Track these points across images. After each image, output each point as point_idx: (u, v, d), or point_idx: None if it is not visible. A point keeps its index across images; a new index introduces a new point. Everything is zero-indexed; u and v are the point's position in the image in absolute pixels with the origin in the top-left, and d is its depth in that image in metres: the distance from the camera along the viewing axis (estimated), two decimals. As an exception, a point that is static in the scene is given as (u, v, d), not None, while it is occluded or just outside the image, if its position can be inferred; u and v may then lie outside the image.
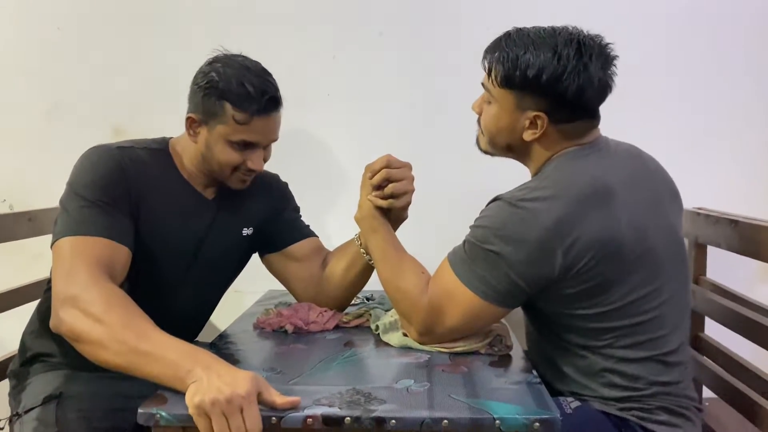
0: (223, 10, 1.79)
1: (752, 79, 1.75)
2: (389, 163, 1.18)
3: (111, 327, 0.92)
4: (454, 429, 0.84)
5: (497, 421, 0.84)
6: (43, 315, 1.25)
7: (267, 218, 1.35)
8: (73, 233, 1.04)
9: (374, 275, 1.33)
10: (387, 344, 1.18)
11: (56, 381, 1.17)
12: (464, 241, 1.09)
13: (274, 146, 1.24)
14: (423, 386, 0.95)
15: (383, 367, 1.07)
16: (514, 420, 0.84)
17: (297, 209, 1.43)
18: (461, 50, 1.76)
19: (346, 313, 1.34)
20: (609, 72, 1.07)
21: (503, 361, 1.09)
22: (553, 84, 1.03)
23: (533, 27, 1.09)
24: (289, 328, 1.26)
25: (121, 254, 1.07)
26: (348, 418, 0.84)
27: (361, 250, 1.29)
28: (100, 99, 1.81)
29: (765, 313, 1.29)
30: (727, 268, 1.31)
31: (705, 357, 1.49)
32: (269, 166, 1.29)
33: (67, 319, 0.96)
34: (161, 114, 1.73)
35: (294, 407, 0.86)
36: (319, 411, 0.85)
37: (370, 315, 1.31)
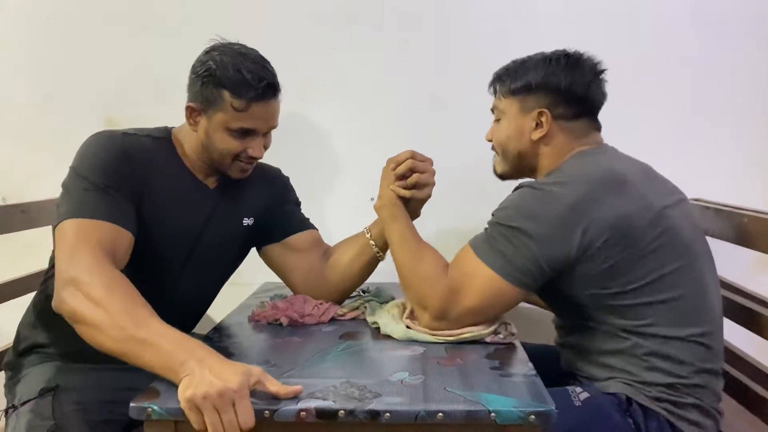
0: (215, 0, 1.77)
1: (750, 69, 1.74)
2: (413, 155, 1.22)
3: (110, 312, 0.92)
4: (449, 422, 0.83)
5: (492, 414, 0.83)
6: (39, 306, 1.25)
7: (267, 209, 1.35)
8: (77, 216, 1.04)
9: (376, 269, 1.35)
10: (383, 337, 1.17)
11: (52, 373, 1.17)
12: (486, 226, 1.13)
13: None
14: (418, 379, 0.95)
15: (378, 360, 1.07)
16: (509, 413, 0.83)
17: (298, 203, 1.44)
18: (459, 42, 1.75)
19: (342, 306, 1.34)
20: (601, 78, 1.20)
21: (500, 353, 1.09)
22: (548, 80, 1.17)
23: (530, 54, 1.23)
24: (284, 320, 1.25)
25: (123, 238, 1.07)
26: (342, 412, 0.84)
27: (371, 242, 1.31)
28: (92, 90, 1.79)
29: (765, 304, 1.28)
30: (724, 259, 1.31)
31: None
32: (267, 159, 1.29)
33: (69, 299, 0.96)
34: (153, 105, 1.73)
35: (296, 396, 0.86)
36: (313, 404, 0.85)
37: (366, 308, 1.31)
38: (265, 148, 1.23)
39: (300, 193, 1.44)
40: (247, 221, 1.32)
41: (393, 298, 1.36)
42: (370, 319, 1.25)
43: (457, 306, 1.10)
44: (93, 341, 0.94)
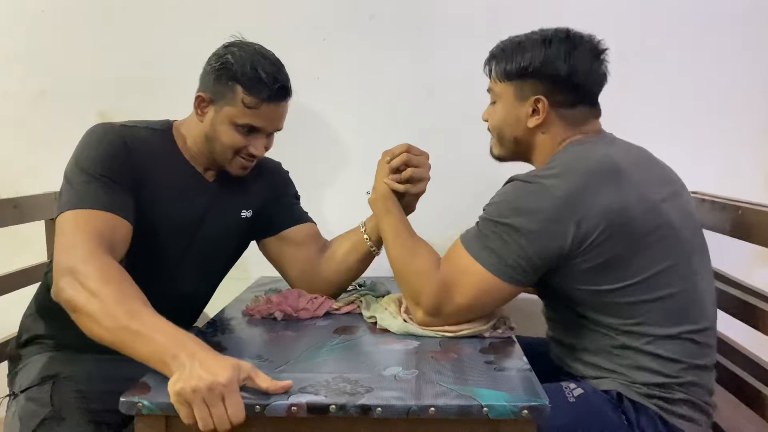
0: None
1: (749, 61, 1.73)
2: (409, 149, 1.21)
3: (104, 302, 0.92)
4: (441, 416, 0.83)
5: (485, 409, 0.83)
6: (40, 297, 1.27)
7: (266, 202, 1.35)
8: (76, 207, 1.05)
9: (372, 264, 1.34)
10: (377, 331, 1.17)
11: (53, 362, 1.18)
12: (477, 221, 1.11)
13: None
14: (411, 373, 0.94)
15: (372, 355, 1.06)
16: (502, 407, 0.83)
17: (297, 196, 1.44)
18: (452, 33, 1.74)
19: (337, 300, 1.33)
20: (601, 59, 1.14)
21: (494, 347, 1.08)
22: (545, 66, 1.11)
23: (527, 32, 1.17)
24: (279, 315, 1.25)
25: (122, 228, 1.08)
26: (333, 406, 0.83)
27: (365, 236, 1.30)
28: (86, 84, 1.79)
29: (761, 297, 1.28)
30: (720, 251, 1.30)
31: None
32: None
33: (66, 288, 0.96)
34: (148, 99, 1.72)
35: (285, 391, 0.86)
36: (304, 399, 0.84)
37: (361, 302, 1.30)
38: (267, 149, 1.25)
39: (296, 185, 1.44)
40: (246, 213, 1.32)
41: (389, 293, 1.36)
42: (366, 313, 1.24)
43: (450, 303, 1.09)
44: (88, 330, 0.94)
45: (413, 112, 1.77)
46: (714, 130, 1.74)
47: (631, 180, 1.04)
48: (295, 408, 0.83)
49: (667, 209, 1.06)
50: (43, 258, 1.56)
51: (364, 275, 1.37)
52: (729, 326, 1.32)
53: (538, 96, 1.13)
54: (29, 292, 1.35)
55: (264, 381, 0.86)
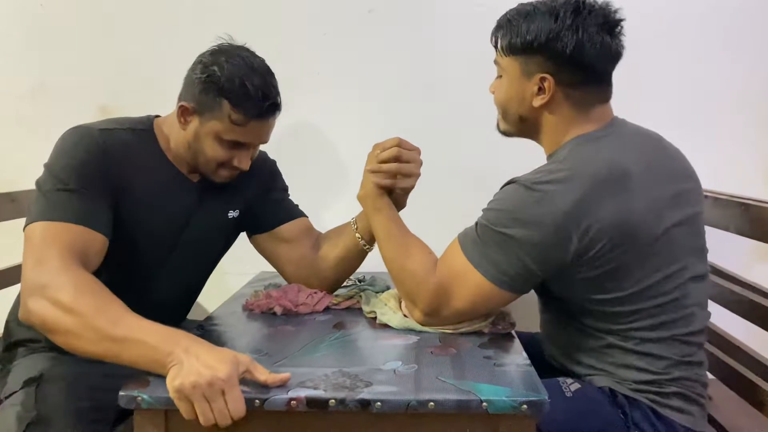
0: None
1: (750, 57, 1.72)
2: (400, 143, 1.17)
3: (82, 315, 0.89)
4: (441, 411, 0.83)
5: (484, 404, 0.83)
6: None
7: (255, 198, 1.32)
8: (47, 218, 1.01)
9: (368, 258, 1.33)
10: (377, 326, 1.17)
11: (39, 364, 1.14)
12: (476, 223, 1.07)
13: None
14: (411, 368, 0.94)
15: (372, 349, 1.06)
16: (501, 402, 0.83)
17: (285, 188, 1.41)
18: (452, 26, 1.73)
19: (336, 295, 1.33)
20: (615, 34, 1.06)
21: (494, 342, 1.08)
22: (552, 43, 1.04)
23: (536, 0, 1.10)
24: (278, 309, 1.25)
25: (95, 241, 1.04)
26: (332, 401, 0.83)
27: (357, 235, 1.28)
28: (86, 78, 1.78)
29: (761, 293, 1.27)
30: (721, 248, 1.30)
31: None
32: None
33: (35, 309, 0.92)
34: (147, 93, 1.71)
35: (283, 384, 0.85)
36: (303, 393, 0.84)
37: (361, 297, 1.30)
38: (251, 159, 1.21)
39: (292, 182, 1.42)
40: (233, 213, 1.29)
41: (388, 287, 1.36)
42: (366, 308, 1.24)
43: (447, 307, 1.08)
44: (71, 348, 0.91)
45: (413, 107, 1.77)
46: (713, 125, 1.74)
47: (638, 186, 1.00)
48: (294, 402, 0.83)
49: (671, 215, 1.02)
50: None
51: (363, 270, 1.37)
52: (728, 322, 1.32)
53: (544, 74, 1.06)
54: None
55: (262, 374, 0.85)
